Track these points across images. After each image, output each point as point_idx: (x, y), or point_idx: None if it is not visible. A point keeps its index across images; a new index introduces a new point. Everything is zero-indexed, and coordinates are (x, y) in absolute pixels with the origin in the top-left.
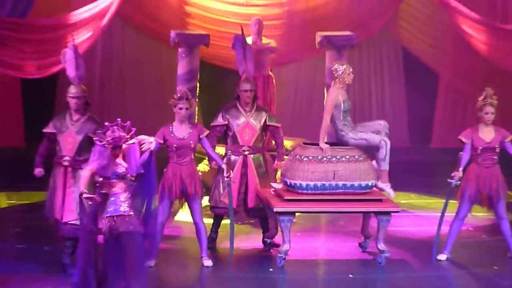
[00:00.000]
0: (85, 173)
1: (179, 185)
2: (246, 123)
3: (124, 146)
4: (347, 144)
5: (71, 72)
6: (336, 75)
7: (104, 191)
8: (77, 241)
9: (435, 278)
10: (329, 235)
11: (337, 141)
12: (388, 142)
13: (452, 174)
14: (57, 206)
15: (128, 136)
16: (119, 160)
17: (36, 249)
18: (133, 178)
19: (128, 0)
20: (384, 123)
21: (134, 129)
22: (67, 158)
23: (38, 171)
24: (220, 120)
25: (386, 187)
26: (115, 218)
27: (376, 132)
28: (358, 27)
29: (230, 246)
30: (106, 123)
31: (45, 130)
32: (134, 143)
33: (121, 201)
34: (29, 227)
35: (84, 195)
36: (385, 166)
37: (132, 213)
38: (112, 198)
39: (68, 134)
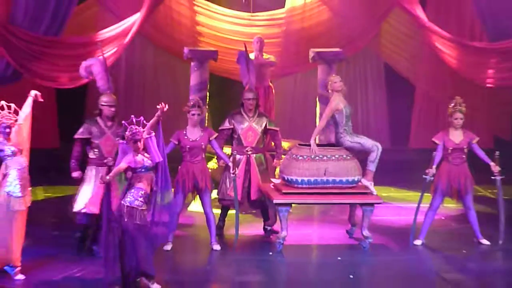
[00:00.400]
0: (122, 166)
1: (192, 180)
2: (249, 127)
3: (142, 138)
4: (343, 145)
5: (102, 84)
6: (331, 86)
7: (134, 183)
8: (95, 228)
9: (412, 261)
10: (320, 223)
11: (331, 143)
12: (380, 148)
13: (427, 171)
14: (91, 200)
15: (144, 130)
16: (141, 154)
17: (68, 236)
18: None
19: (148, 21)
20: (379, 146)
21: (147, 123)
22: (110, 158)
23: (77, 174)
24: (226, 125)
25: (370, 185)
26: (128, 208)
27: (368, 148)
28: (346, 44)
29: (235, 232)
30: (123, 122)
31: (78, 136)
32: (150, 135)
33: (138, 196)
34: (62, 217)
35: (104, 178)
36: (373, 167)
37: (144, 208)
38: (133, 191)
39: (107, 138)
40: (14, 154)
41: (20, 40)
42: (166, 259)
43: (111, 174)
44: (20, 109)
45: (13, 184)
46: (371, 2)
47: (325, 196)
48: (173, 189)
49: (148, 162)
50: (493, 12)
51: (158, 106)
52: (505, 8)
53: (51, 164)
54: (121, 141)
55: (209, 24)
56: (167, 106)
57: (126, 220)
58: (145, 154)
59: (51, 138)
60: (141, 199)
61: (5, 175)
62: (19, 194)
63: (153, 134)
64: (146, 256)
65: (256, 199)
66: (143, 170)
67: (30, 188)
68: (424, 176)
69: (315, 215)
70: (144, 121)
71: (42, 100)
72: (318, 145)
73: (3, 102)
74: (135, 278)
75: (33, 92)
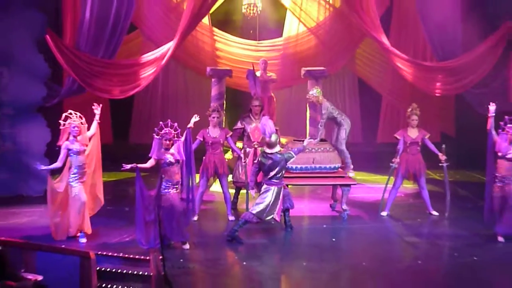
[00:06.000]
0: (151, 161)
1: (213, 167)
2: (256, 127)
3: (172, 139)
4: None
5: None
6: (317, 98)
7: (163, 176)
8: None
9: (380, 228)
10: (310, 199)
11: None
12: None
13: (393, 160)
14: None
15: (175, 133)
16: (170, 151)
17: (120, 210)
18: (181, 162)
19: (179, 47)
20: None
21: (179, 129)
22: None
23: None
24: (238, 125)
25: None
26: (166, 195)
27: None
28: (329, 64)
29: (246, 207)
30: (160, 123)
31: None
32: (179, 138)
33: (171, 185)
34: (116, 195)
35: (129, 166)
36: (351, 165)
37: (176, 192)
38: (166, 184)
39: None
40: (78, 153)
41: (83, 62)
42: (194, 227)
43: (132, 165)
44: (84, 116)
45: (73, 176)
46: (348, 33)
47: (313, 179)
48: (198, 174)
49: (170, 159)
50: (439, 40)
51: (193, 119)
52: (449, 36)
53: (105, 155)
54: (156, 136)
55: (225, 49)
56: (198, 118)
57: (162, 202)
58: (171, 151)
59: (106, 136)
60: (171, 187)
61: (69, 168)
62: (76, 185)
63: (181, 139)
64: (180, 225)
65: (261, 181)
66: (165, 164)
67: (85, 178)
68: (390, 164)
69: (306, 193)
70: (177, 127)
71: (99, 109)
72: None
73: (70, 111)
74: (169, 242)
75: (97, 110)
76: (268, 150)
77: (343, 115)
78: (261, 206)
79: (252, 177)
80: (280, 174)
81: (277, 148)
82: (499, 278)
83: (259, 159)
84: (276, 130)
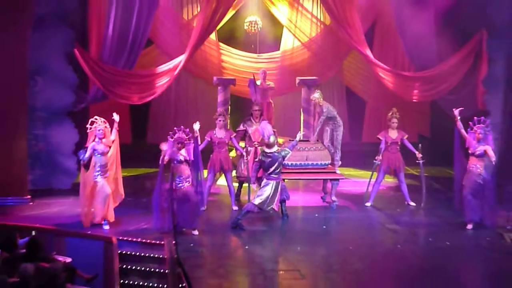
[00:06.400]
0: (165, 158)
1: (219, 164)
2: (256, 129)
3: (184, 143)
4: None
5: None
6: (319, 100)
7: (175, 172)
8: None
9: (364, 216)
10: (304, 192)
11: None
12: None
13: (376, 158)
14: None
15: (187, 137)
16: (182, 152)
17: (137, 201)
18: (189, 162)
19: (190, 60)
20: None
21: (190, 134)
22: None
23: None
24: (241, 127)
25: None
26: (179, 189)
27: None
28: (320, 74)
29: (248, 198)
30: (175, 128)
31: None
32: (190, 142)
33: (182, 180)
34: (135, 188)
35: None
36: (339, 163)
37: (188, 185)
38: (179, 179)
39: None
40: (102, 154)
41: (106, 72)
42: (202, 216)
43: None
44: (107, 119)
45: (97, 173)
46: (337, 46)
47: (306, 174)
48: (206, 170)
49: (180, 157)
50: (416, 52)
51: (195, 127)
52: (425, 49)
53: (125, 154)
54: (170, 139)
55: (230, 61)
56: (199, 125)
57: (177, 194)
58: (182, 152)
59: (126, 136)
60: (184, 181)
61: (94, 166)
62: (100, 179)
63: (191, 142)
64: (192, 214)
65: (261, 176)
66: (176, 162)
67: (108, 174)
68: (374, 161)
69: (300, 186)
70: (188, 132)
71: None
72: (301, 140)
73: (96, 116)
74: (181, 228)
75: (116, 118)
76: (267, 150)
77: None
78: (262, 198)
79: (253, 173)
80: (278, 169)
81: (275, 148)
82: (467, 260)
83: (260, 158)
84: (274, 131)
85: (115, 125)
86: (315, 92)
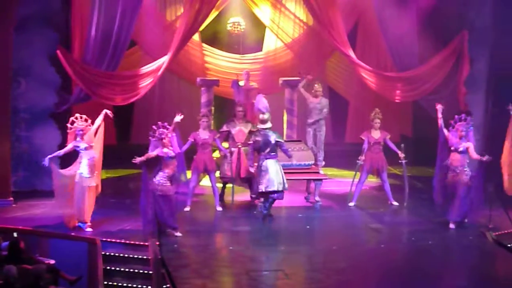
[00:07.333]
0: (152, 154)
1: (203, 164)
2: (239, 129)
3: (167, 137)
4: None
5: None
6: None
7: (163, 169)
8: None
9: (348, 216)
10: (287, 192)
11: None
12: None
13: (360, 158)
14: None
15: (168, 131)
16: (167, 148)
17: (122, 202)
18: (175, 156)
19: (173, 60)
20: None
21: (169, 127)
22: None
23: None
24: (224, 128)
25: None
26: (159, 185)
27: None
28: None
29: (231, 199)
30: (153, 127)
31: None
32: (172, 135)
33: (164, 176)
34: (119, 189)
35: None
36: (323, 163)
37: (168, 184)
38: (161, 173)
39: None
40: (86, 148)
41: (89, 74)
42: (186, 216)
43: (142, 158)
44: (90, 118)
45: (84, 168)
46: (319, 47)
47: (290, 174)
48: (190, 171)
49: (171, 154)
50: (399, 53)
51: (176, 117)
52: (407, 49)
53: (110, 155)
54: (152, 138)
55: (213, 62)
56: (182, 116)
57: (157, 192)
58: (169, 147)
59: (110, 137)
60: (165, 178)
61: (80, 162)
62: (87, 175)
63: (174, 134)
64: (171, 214)
65: (245, 176)
66: (168, 159)
67: (97, 172)
68: (357, 161)
69: None
70: (168, 126)
71: (112, 116)
72: (286, 141)
73: (77, 114)
74: (165, 229)
75: (106, 112)
76: (260, 126)
77: None
78: (268, 179)
79: (251, 156)
80: (274, 149)
81: (269, 125)
82: (450, 259)
83: (253, 138)
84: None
85: (107, 112)
86: (315, 84)
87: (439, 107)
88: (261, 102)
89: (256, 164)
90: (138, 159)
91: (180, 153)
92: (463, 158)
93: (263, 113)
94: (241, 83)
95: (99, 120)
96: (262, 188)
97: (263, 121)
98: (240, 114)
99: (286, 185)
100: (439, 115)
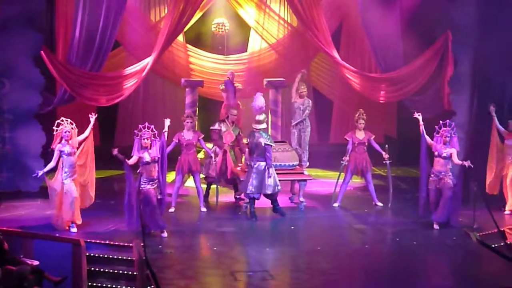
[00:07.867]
0: (134, 159)
1: (187, 165)
2: (228, 131)
3: (149, 139)
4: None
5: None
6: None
7: (142, 173)
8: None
9: (332, 216)
10: None
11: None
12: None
13: (344, 158)
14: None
15: (152, 133)
16: (150, 150)
17: (107, 203)
18: (157, 160)
19: (157, 61)
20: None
21: (156, 131)
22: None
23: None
24: (216, 126)
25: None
26: (143, 189)
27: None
28: (288, 75)
29: (216, 199)
30: (140, 126)
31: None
32: (156, 138)
33: (147, 181)
34: (103, 189)
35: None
36: (307, 164)
37: (152, 188)
38: (143, 180)
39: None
40: (69, 154)
41: (73, 74)
42: (171, 217)
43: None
44: (74, 120)
45: (65, 174)
46: (304, 48)
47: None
48: (174, 172)
49: (147, 159)
50: (382, 53)
51: (166, 123)
52: (390, 50)
53: (94, 156)
54: (136, 137)
55: (198, 63)
56: (169, 121)
57: (141, 195)
58: (149, 151)
59: (94, 138)
60: (147, 183)
61: (62, 168)
62: (68, 181)
63: (158, 139)
64: (156, 215)
65: (230, 177)
66: (143, 164)
67: (76, 176)
68: (341, 162)
69: None
70: (153, 128)
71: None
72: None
73: (62, 118)
74: (150, 230)
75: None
76: (255, 126)
77: None
78: (258, 182)
79: (247, 156)
80: (262, 153)
81: (264, 126)
82: (433, 259)
83: (247, 138)
84: (241, 136)
85: (91, 124)
86: (301, 85)
87: (418, 115)
88: (259, 100)
89: (248, 163)
90: (115, 151)
91: (163, 155)
92: (446, 163)
93: (260, 113)
94: (221, 86)
95: (87, 132)
96: (250, 189)
97: (258, 122)
98: (233, 117)
99: (279, 187)
100: (421, 125)
